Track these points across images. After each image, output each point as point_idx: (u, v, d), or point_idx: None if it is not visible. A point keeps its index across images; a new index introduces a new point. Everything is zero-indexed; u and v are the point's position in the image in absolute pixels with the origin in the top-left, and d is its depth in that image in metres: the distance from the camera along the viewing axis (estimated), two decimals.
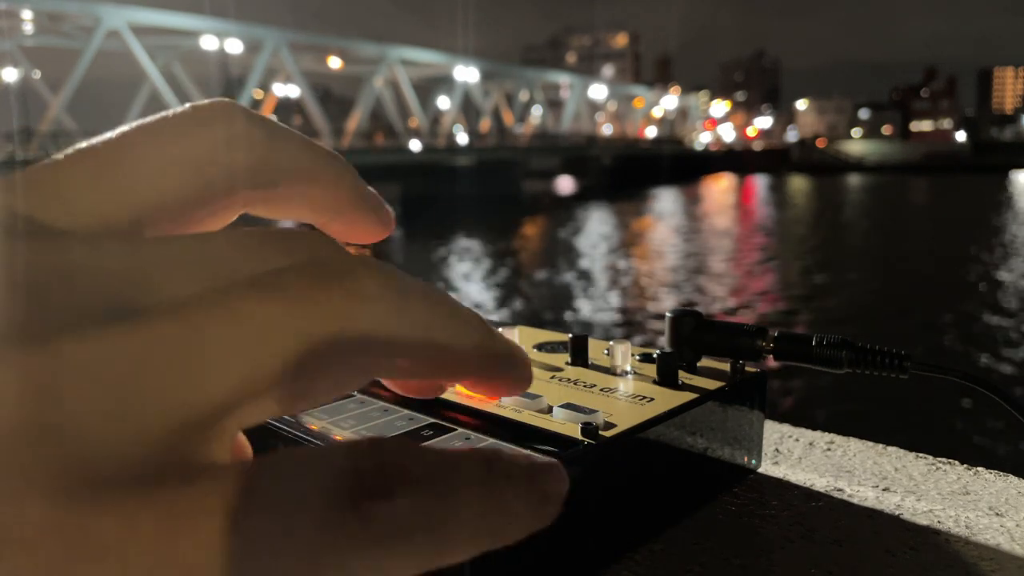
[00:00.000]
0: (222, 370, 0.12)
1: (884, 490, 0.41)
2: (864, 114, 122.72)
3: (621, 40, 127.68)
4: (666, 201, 25.83)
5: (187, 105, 0.16)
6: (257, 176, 0.17)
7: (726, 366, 0.42)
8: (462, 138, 39.33)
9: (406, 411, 0.34)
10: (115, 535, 0.10)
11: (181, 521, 0.10)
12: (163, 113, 0.16)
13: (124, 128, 0.16)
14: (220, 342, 0.12)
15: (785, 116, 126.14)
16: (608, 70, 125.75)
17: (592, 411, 0.35)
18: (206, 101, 0.16)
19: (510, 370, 0.17)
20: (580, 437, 0.33)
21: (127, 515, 0.10)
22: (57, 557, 0.10)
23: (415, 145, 33.47)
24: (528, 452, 0.15)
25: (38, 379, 0.11)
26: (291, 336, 0.12)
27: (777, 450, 0.47)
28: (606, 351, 0.44)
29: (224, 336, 0.12)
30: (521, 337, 0.49)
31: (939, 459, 0.45)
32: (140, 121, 0.16)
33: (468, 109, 46.54)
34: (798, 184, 38.96)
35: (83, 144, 0.15)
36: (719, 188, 34.66)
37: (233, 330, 0.12)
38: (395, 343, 0.14)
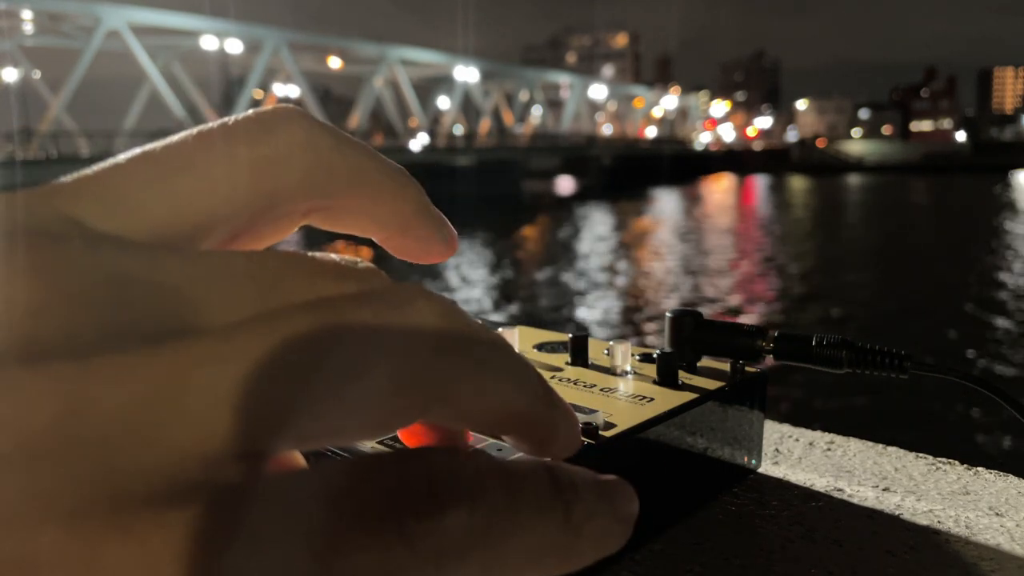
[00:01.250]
0: (264, 397, 0.11)
1: (884, 490, 0.41)
2: (864, 114, 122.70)
3: (621, 40, 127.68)
4: (666, 201, 25.83)
5: (251, 111, 0.16)
6: (320, 185, 0.16)
7: (726, 366, 0.42)
8: (457, 129, 39.34)
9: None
10: (130, 562, 0.10)
11: (197, 546, 0.10)
12: (225, 119, 0.16)
13: (185, 133, 0.15)
14: (266, 367, 0.11)
15: (785, 116, 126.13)
16: (608, 70, 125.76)
17: (592, 411, 0.35)
18: (270, 107, 0.16)
19: (557, 432, 0.16)
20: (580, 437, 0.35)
21: (143, 541, 0.10)
22: None
23: (415, 145, 33.47)
24: (587, 470, 0.15)
25: (75, 394, 0.10)
26: (337, 366, 0.12)
27: (777, 450, 0.47)
28: (606, 351, 0.43)
29: (270, 361, 0.11)
30: (521, 337, 0.49)
31: (939, 459, 0.45)
32: (201, 127, 0.15)
33: (468, 109, 46.54)
34: (798, 184, 38.95)
35: (143, 148, 0.15)
36: (719, 188, 34.65)
37: (279, 355, 0.11)
38: (451, 381, 0.13)
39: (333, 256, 0.14)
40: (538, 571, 0.12)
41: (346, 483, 0.11)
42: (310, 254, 0.14)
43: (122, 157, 0.15)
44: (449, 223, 0.20)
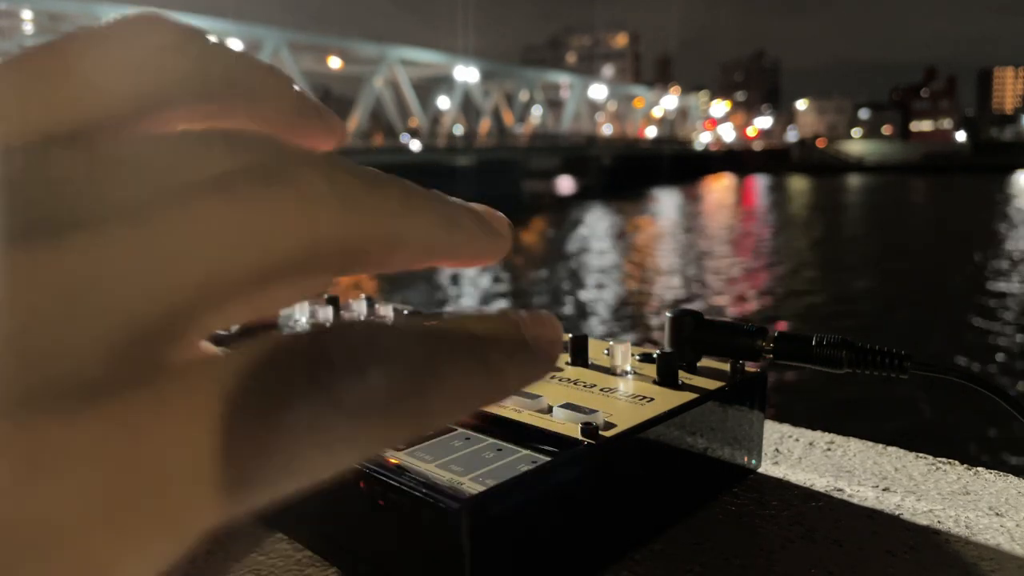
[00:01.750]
0: (180, 275, 0.11)
1: (884, 490, 0.41)
2: (864, 114, 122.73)
3: (621, 40, 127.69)
4: (666, 201, 25.84)
5: (117, 15, 0.15)
6: (193, 88, 0.16)
7: (726, 366, 0.42)
8: (457, 129, 39.36)
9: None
10: (72, 447, 0.10)
11: (143, 425, 0.10)
12: (93, 25, 0.15)
13: (54, 38, 0.15)
14: (177, 246, 0.11)
15: (785, 116, 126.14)
16: (608, 70, 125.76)
17: (592, 411, 0.35)
18: (135, 11, 0.15)
19: (478, 248, 0.17)
20: (580, 437, 0.33)
21: (84, 425, 0.10)
22: (8, 475, 0.09)
23: (415, 145, 33.48)
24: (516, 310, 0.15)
25: None
26: (248, 241, 0.12)
27: (777, 450, 0.47)
28: (606, 351, 0.43)
29: (180, 240, 0.11)
30: None
31: (939, 459, 0.45)
32: (69, 31, 0.15)
33: (468, 109, 46.54)
34: (798, 184, 38.96)
35: (13, 54, 0.14)
36: (719, 188, 34.66)
37: (189, 234, 0.11)
38: (348, 243, 0.13)
39: (225, 129, 0.14)
40: (459, 413, 0.13)
41: (269, 356, 0.11)
42: (203, 129, 0.14)
43: None
44: (333, 114, 0.19)
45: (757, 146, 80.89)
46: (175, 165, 0.12)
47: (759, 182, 40.38)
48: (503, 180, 29.92)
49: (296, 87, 0.18)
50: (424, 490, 0.29)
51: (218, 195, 0.12)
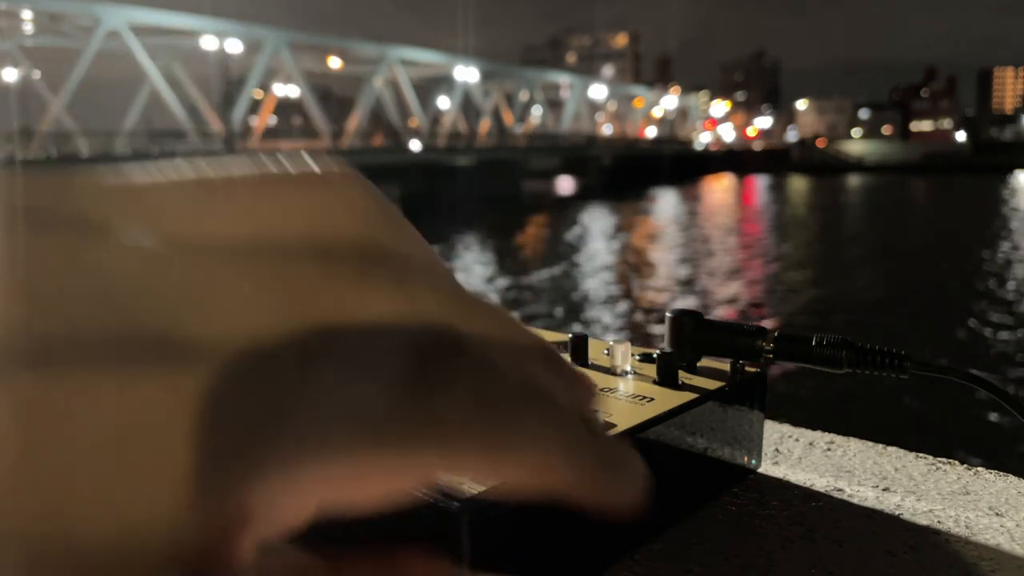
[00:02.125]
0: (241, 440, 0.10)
1: (884, 490, 0.41)
2: (864, 114, 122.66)
3: (621, 40, 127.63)
4: (666, 201, 25.83)
5: (314, 166, 0.14)
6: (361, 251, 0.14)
7: (726, 366, 0.42)
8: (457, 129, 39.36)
9: None
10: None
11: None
12: (282, 162, 0.14)
13: (254, 166, 0.14)
14: (243, 406, 0.11)
15: (785, 116, 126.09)
16: (608, 70, 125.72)
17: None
18: (336, 167, 0.15)
19: (601, 493, 0.16)
20: None
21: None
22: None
23: (415, 145, 33.47)
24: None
25: (35, 413, 0.09)
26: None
27: (777, 450, 0.47)
28: (606, 351, 0.43)
29: (248, 399, 0.11)
30: None
31: (939, 459, 0.45)
32: (255, 161, 0.14)
33: (468, 109, 46.54)
34: (798, 184, 38.95)
35: (194, 164, 0.14)
36: (719, 188, 34.65)
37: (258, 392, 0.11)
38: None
39: (384, 269, 0.13)
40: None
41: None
42: (356, 265, 0.13)
43: (168, 167, 0.13)
44: (631, 468, 0.18)
45: (757, 146, 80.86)
46: (292, 301, 0.12)
47: (759, 182, 40.37)
48: (503, 180, 29.90)
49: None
50: (424, 490, 0.29)
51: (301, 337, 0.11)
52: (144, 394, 0.10)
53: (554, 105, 58.27)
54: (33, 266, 0.10)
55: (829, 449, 0.47)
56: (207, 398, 0.10)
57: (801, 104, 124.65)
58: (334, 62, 38.43)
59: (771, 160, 66.47)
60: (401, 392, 0.11)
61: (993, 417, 4.15)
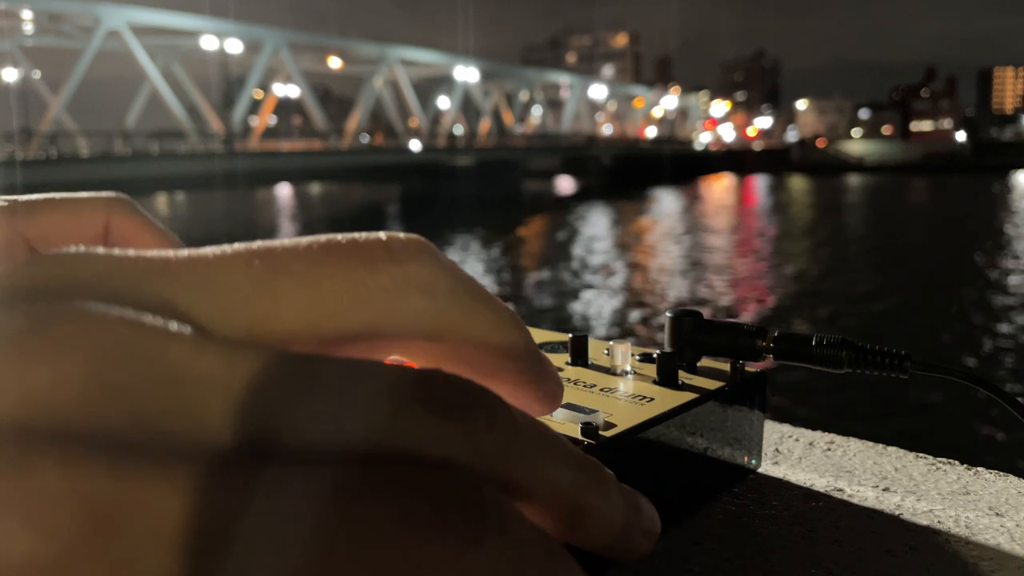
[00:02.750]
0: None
1: (884, 490, 0.41)
2: (864, 114, 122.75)
3: (621, 40, 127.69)
4: (666, 201, 25.84)
5: (382, 235, 0.15)
6: (425, 330, 0.16)
7: (726, 366, 0.42)
8: (457, 129, 39.34)
9: None
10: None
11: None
12: (354, 236, 0.15)
13: (311, 239, 0.15)
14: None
15: (785, 116, 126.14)
16: (608, 70, 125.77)
17: (592, 411, 0.35)
18: (402, 237, 0.15)
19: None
20: (580, 437, 0.33)
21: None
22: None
23: (415, 145, 33.48)
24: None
25: (100, 502, 0.10)
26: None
27: (777, 450, 0.47)
28: (606, 351, 0.43)
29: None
30: None
31: (939, 459, 0.45)
32: (329, 237, 0.15)
33: (468, 109, 46.55)
34: (798, 184, 38.97)
35: (264, 243, 0.15)
36: (719, 188, 34.66)
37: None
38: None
39: (380, 237, 0.14)
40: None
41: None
42: (359, 239, 0.14)
43: (240, 247, 0.14)
44: (555, 375, 0.20)
45: (757, 146, 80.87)
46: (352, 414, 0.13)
47: (759, 182, 40.39)
48: (503, 180, 29.90)
49: (530, 342, 0.18)
50: None
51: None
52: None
53: (554, 105, 58.29)
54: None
55: (829, 449, 0.47)
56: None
57: (801, 104, 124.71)
58: (334, 62, 38.44)
59: (771, 160, 66.48)
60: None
61: (993, 417, 4.15)
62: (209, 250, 0.14)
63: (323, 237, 0.15)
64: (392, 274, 0.15)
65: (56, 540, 0.10)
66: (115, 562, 0.10)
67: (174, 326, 0.12)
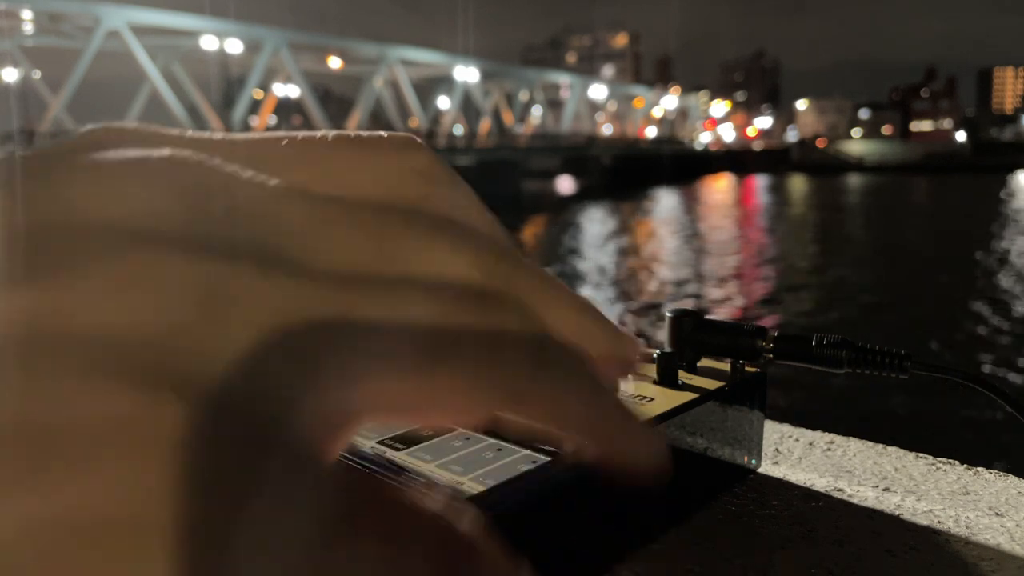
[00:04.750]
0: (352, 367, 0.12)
1: (884, 490, 0.41)
2: (864, 114, 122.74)
3: (621, 40, 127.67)
4: (666, 201, 25.83)
5: (380, 133, 0.16)
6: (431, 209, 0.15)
7: (726, 366, 0.42)
8: (457, 129, 39.34)
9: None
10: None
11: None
12: (357, 132, 0.16)
13: (331, 131, 0.16)
14: (356, 340, 0.12)
15: (785, 116, 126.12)
16: (608, 70, 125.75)
17: None
18: (400, 135, 0.16)
19: (625, 457, 0.17)
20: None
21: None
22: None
23: None
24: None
25: (212, 286, 0.11)
26: (429, 355, 0.13)
27: (777, 450, 0.47)
28: None
29: (361, 335, 0.12)
30: None
31: (939, 459, 0.45)
32: (340, 132, 0.16)
33: (468, 109, 46.54)
34: (798, 184, 38.96)
35: (297, 133, 0.16)
36: (719, 188, 34.66)
37: (369, 331, 0.12)
38: (520, 390, 0.14)
39: (452, 225, 0.15)
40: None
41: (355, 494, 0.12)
42: (429, 219, 0.14)
43: (279, 133, 0.15)
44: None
45: (757, 146, 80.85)
46: (394, 249, 0.14)
47: (759, 182, 40.38)
48: (503, 180, 29.91)
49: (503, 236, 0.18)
50: (424, 490, 0.31)
51: (420, 308, 0.13)
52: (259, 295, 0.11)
53: (554, 105, 58.27)
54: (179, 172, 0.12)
55: (829, 449, 0.46)
56: (306, 309, 0.12)
57: (801, 104, 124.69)
58: (334, 62, 38.45)
59: (771, 160, 66.46)
60: (462, 325, 0.13)
61: (993, 417, 4.15)
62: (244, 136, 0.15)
63: (335, 132, 0.16)
64: (410, 158, 0.16)
65: (171, 313, 0.10)
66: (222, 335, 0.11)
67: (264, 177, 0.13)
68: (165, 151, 0.13)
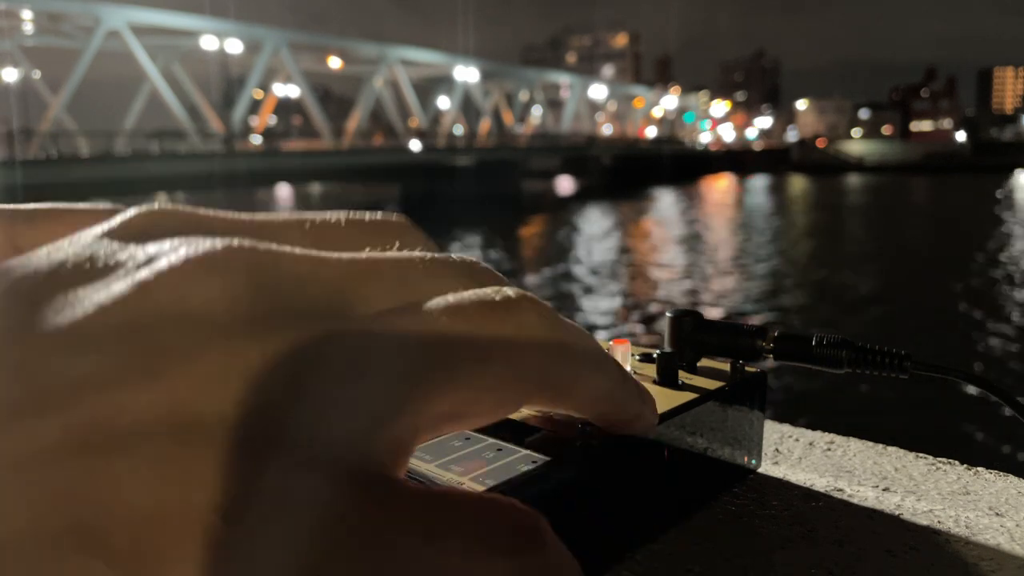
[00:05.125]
0: (411, 378, 0.14)
1: (884, 490, 0.41)
2: (864, 114, 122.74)
3: (621, 40, 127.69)
4: (666, 201, 25.83)
5: (495, 293, 0.16)
6: (539, 375, 0.17)
7: (726, 366, 0.41)
8: (457, 129, 39.32)
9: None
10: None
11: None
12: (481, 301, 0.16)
13: (342, 215, 0.18)
14: (400, 355, 0.14)
15: (785, 116, 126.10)
16: (608, 70, 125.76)
17: None
18: (508, 290, 0.17)
19: (633, 418, 0.21)
20: (579, 437, 0.33)
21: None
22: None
23: (415, 145, 33.47)
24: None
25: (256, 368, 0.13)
26: (475, 362, 0.14)
27: (777, 450, 0.46)
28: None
29: (416, 348, 0.14)
30: None
31: (939, 459, 0.45)
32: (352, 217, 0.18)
33: (468, 109, 46.54)
34: (798, 184, 38.96)
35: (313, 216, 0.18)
36: (719, 188, 34.66)
37: (422, 344, 0.14)
38: (549, 374, 0.16)
39: (453, 256, 0.17)
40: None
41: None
42: (437, 255, 0.17)
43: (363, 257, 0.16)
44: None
45: (757, 146, 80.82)
46: (416, 283, 0.16)
47: (759, 182, 40.37)
48: (503, 180, 29.89)
49: (619, 375, 0.20)
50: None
51: (454, 316, 0.15)
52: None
53: (554, 105, 58.27)
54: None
55: (829, 449, 0.46)
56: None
57: (801, 104, 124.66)
58: (334, 62, 38.43)
59: (771, 160, 66.43)
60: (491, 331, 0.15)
61: (993, 417, 4.15)
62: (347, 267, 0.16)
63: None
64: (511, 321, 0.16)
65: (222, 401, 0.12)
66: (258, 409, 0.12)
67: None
68: (221, 243, 0.14)
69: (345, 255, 0.15)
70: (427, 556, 0.12)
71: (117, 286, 0.13)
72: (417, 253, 0.17)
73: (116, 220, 0.15)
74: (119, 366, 0.12)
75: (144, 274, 0.13)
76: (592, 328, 7.17)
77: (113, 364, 0.12)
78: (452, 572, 0.12)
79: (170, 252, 0.14)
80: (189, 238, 0.14)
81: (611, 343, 0.42)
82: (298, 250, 0.15)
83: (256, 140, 34.20)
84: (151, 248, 0.14)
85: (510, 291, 0.16)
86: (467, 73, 41.27)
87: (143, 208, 0.15)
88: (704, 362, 0.42)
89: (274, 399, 0.12)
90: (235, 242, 0.14)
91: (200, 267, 0.13)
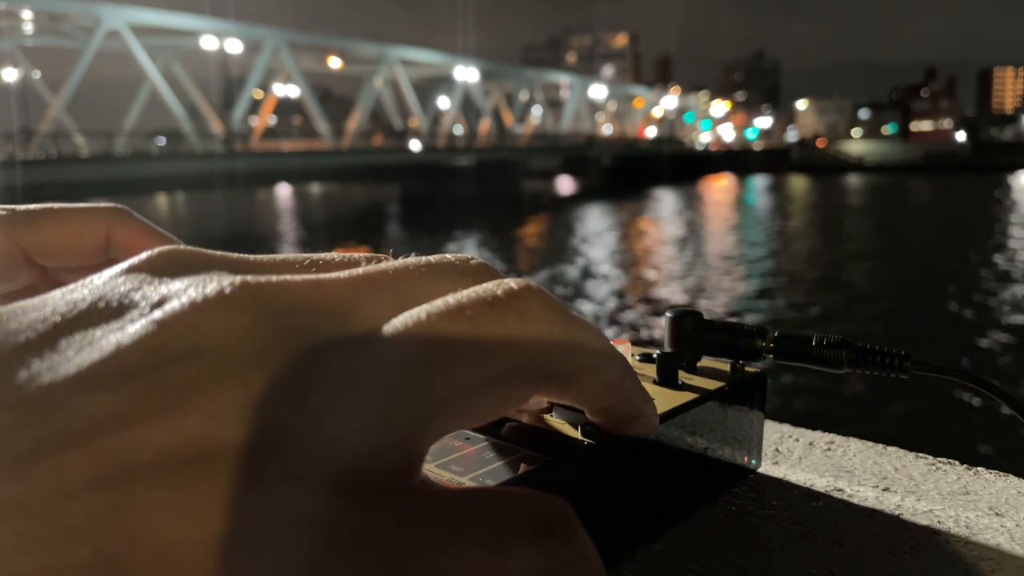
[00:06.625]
0: (414, 391, 0.14)
1: (884, 490, 0.41)
2: (864, 114, 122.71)
3: (621, 40, 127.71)
4: (666, 201, 25.83)
5: (497, 289, 0.16)
6: (545, 364, 0.17)
7: (726, 366, 0.41)
8: (457, 129, 39.31)
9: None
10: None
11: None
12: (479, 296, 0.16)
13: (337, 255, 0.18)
14: (410, 364, 0.14)
15: (785, 116, 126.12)
16: (608, 70, 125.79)
17: None
18: (511, 282, 0.17)
19: (637, 415, 0.22)
20: (580, 437, 0.33)
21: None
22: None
23: (415, 145, 33.47)
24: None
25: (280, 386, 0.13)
26: (476, 359, 0.15)
27: (777, 450, 0.47)
28: None
29: (412, 359, 0.14)
30: None
31: (939, 459, 0.45)
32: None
33: (468, 109, 46.54)
34: (798, 184, 38.95)
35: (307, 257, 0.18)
36: (718, 188, 34.66)
37: (422, 347, 0.14)
38: (554, 362, 0.16)
39: (449, 257, 0.18)
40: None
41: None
42: (432, 259, 0.17)
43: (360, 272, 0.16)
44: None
45: (757, 146, 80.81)
46: (414, 290, 0.16)
47: (759, 182, 40.37)
48: (503, 180, 29.90)
49: (624, 370, 0.21)
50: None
51: (453, 319, 0.15)
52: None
53: (554, 105, 58.32)
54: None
55: (829, 449, 0.46)
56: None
57: (801, 104, 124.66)
58: (334, 62, 38.43)
59: (771, 160, 66.42)
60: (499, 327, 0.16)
61: (993, 417, 4.15)
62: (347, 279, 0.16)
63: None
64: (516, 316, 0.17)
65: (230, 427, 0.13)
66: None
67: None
68: (228, 280, 0.15)
69: (344, 272, 0.16)
70: (449, 558, 0.12)
71: (133, 327, 0.13)
72: (414, 259, 0.17)
73: (129, 262, 0.16)
74: (138, 403, 0.12)
75: (158, 315, 0.14)
76: None
77: (132, 401, 0.12)
78: (478, 572, 0.12)
79: (182, 292, 0.14)
80: (199, 276, 0.15)
81: (611, 343, 0.42)
82: (299, 277, 0.15)
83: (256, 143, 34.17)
84: (163, 288, 0.14)
85: (512, 282, 0.16)
86: (467, 73, 41.27)
87: (154, 251, 0.16)
88: (704, 362, 0.42)
89: (279, 420, 0.13)
90: (241, 279, 0.15)
91: (211, 305, 0.14)
